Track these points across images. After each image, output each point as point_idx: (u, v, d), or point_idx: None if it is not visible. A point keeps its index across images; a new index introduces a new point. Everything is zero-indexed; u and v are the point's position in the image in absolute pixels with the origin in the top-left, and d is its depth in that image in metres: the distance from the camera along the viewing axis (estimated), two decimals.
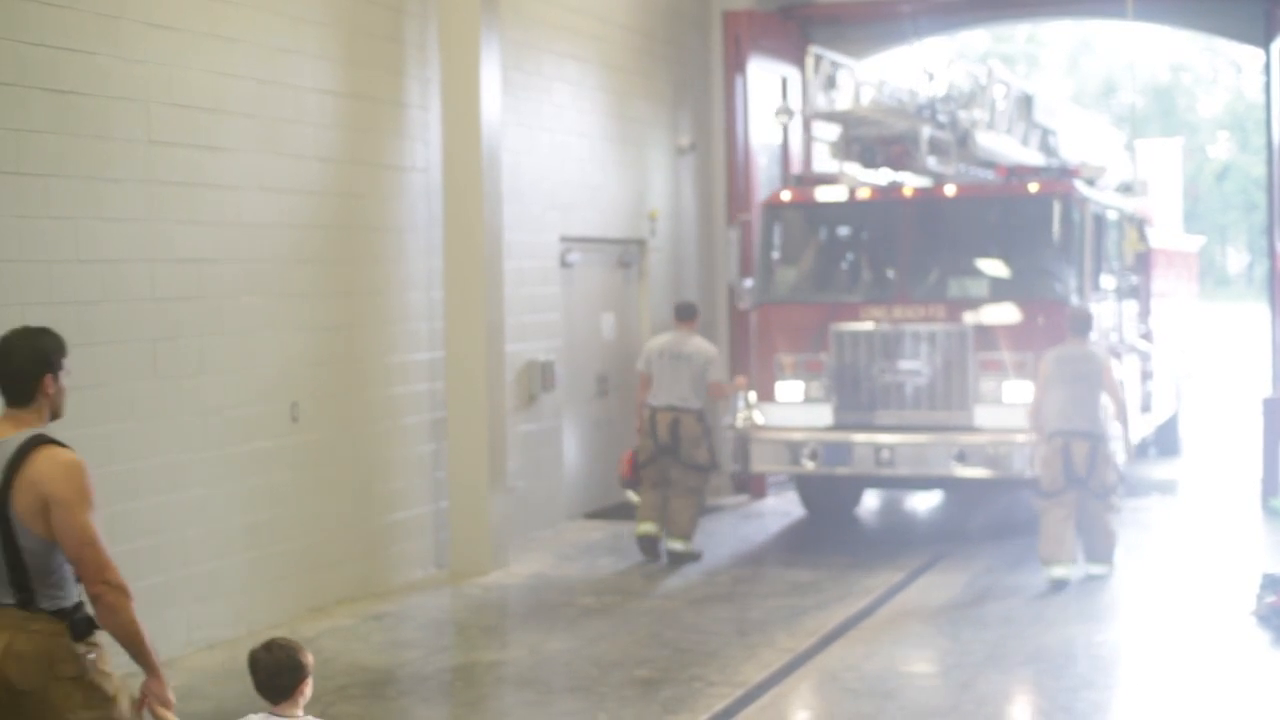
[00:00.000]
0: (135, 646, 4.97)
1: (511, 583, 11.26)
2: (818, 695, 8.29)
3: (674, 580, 11.34)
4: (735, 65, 15.51)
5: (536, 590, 11.03)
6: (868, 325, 12.40)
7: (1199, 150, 57.32)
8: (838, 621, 9.86)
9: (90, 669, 4.90)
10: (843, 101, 13.43)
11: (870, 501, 15.11)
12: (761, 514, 14.33)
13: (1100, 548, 11.16)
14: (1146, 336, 15.61)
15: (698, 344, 12.12)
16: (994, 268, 12.76)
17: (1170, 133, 57.49)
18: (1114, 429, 11.39)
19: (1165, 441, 17.89)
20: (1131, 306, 14.64)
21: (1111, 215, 13.81)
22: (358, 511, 10.80)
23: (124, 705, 4.97)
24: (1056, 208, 12.49)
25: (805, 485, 13.83)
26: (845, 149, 13.62)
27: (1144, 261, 14.86)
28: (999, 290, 12.47)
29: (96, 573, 4.86)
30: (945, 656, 8.94)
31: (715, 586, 11.11)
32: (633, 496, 12.25)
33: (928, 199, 12.83)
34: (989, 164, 13.79)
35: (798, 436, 12.39)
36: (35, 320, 8.05)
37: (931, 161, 13.11)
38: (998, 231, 12.91)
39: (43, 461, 4.83)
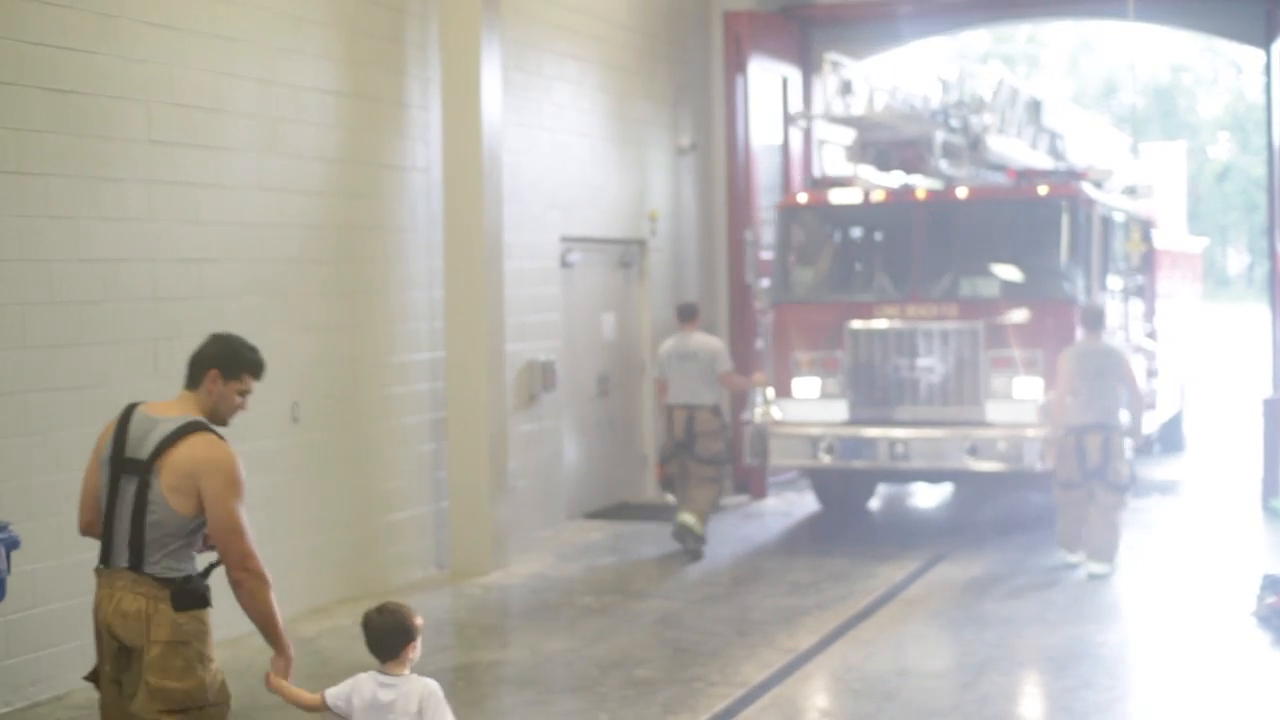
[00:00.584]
0: (269, 629, 5.38)
1: (512, 583, 11.26)
2: (818, 695, 8.29)
3: (674, 580, 11.34)
4: (736, 65, 15.51)
5: (537, 590, 11.03)
6: (882, 324, 12.73)
7: (1199, 151, 57.32)
8: (838, 622, 9.86)
9: (186, 639, 5.20)
10: (858, 106, 13.69)
11: (876, 500, 15.13)
12: (762, 514, 14.33)
13: (1104, 546, 11.31)
14: (1151, 335, 15.83)
15: (701, 340, 12.43)
16: (1004, 268, 13.07)
17: (1171, 133, 57.54)
18: (1127, 419, 11.56)
19: (1170, 438, 18.16)
20: (1137, 306, 14.85)
21: (1118, 217, 14.04)
22: (358, 511, 10.80)
23: (214, 689, 5.28)
24: (1065, 210, 12.79)
25: (820, 479, 14.18)
26: (860, 152, 13.95)
27: (1149, 262, 14.99)
28: (1009, 290, 12.82)
29: (239, 560, 5.28)
30: (946, 657, 8.94)
31: (715, 586, 11.11)
32: (669, 497, 12.72)
33: (940, 201, 13.13)
34: (999, 167, 14.11)
35: (814, 431, 12.71)
36: (35, 320, 8.13)
37: (944, 165, 13.48)
38: (1008, 233, 13.22)
39: (198, 447, 5.15)
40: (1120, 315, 13.92)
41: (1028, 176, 13.54)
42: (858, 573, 11.52)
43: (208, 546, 5.48)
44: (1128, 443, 11.59)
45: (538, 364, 12.87)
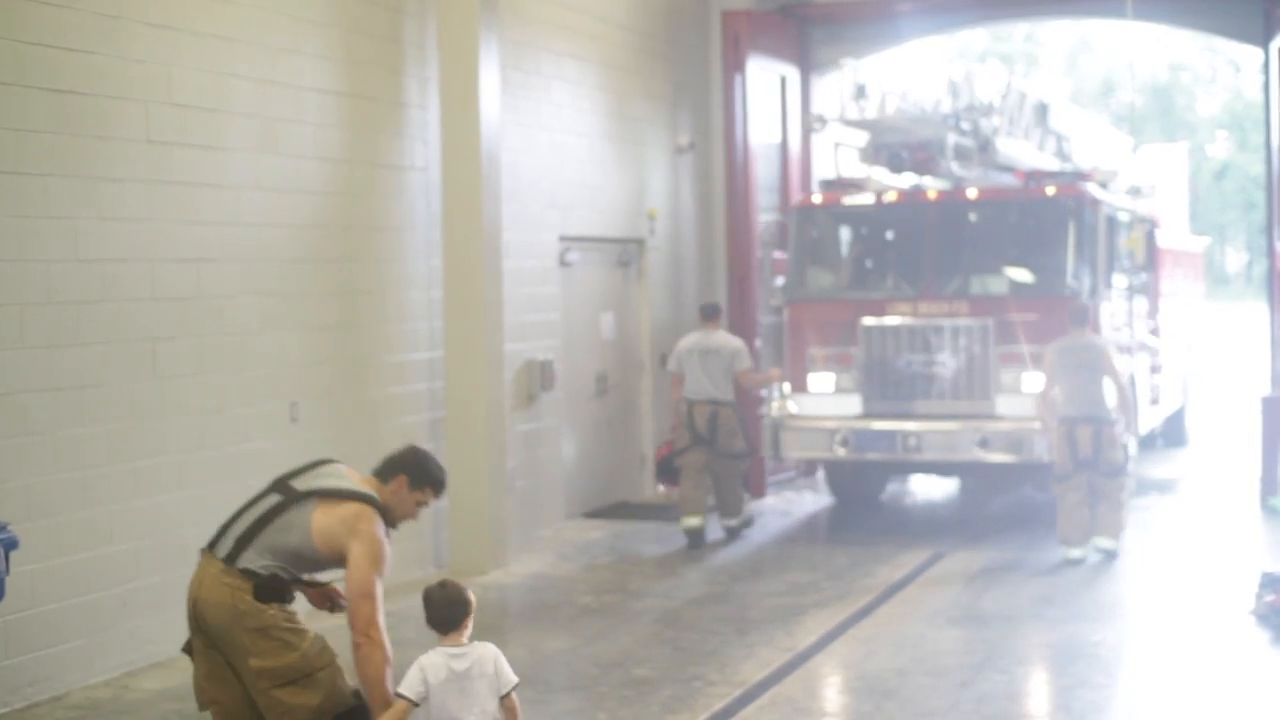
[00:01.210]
0: (374, 697, 5.59)
1: (511, 582, 11.27)
2: (817, 694, 8.29)
3: (673, 580, 11.35)
4: (734, 64, 15.51)
5: (536, 590, 11.04)
6: (895, 320, 13.14)
7: (1198, 149, 57.30)
8: (837, 620, 9.87)
9: (274, 622, 5.59)
10: (871, 110, 14.04)
11: (892, 501, 15.15)
12: (761, 513, 14.33)
13: (1108, 522, 11.70)
14: (1154, 333, 16.09)
15: (723, 338, 12.94)
16: (1013, 266, 13.47)
17: (1169, 132, 57.56)
18: (1117, 412, 11.88)
19: (1172, 433, 18.61)
20: (1141, 304, 15.11)
21: (1123, 217, 14.31)
22: None
23: (309, 650, 5.63)
24: (1072, 210, 13.16)
25: (833, 472, 14.58)
26: (873, 155, 14.27)
27: (1152, 261, 15.12)
28: (1018, 287, 13.27)
29: (364, 625, 5.63)
30: (944, 655, 8.94)
31: (714, 586, 11.11)
32: (660, 489, 13.07)
33: (951, 202, 13.55)
34: (1008, 169, 14.57)
35: (829, 424, 13.13)
36: (34, 321, 8.13)
37: (955, 167, 13.80)
38: (1017, 232, 13.68)
39: (365, 517, 5.68)
40: (1125, 312, 14.21)
41: (1036, 178, 13.81)
42: (856, 571, 11.52)
43: (338, 607, 6.04)
44: (1119, 430, 11.89)
45: (536, 363, 12.87)
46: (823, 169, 17.10)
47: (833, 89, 16.83)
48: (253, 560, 5.64)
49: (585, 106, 14.02)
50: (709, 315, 13.03)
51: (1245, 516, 13.76)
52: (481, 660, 5.50)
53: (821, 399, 13.34)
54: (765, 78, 15.98)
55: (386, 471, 5.93)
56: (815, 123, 14.14)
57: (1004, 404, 12.79)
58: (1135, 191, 16.27)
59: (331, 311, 10.56)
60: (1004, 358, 12.82)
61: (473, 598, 5.61)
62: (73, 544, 8.40)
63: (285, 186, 10.12)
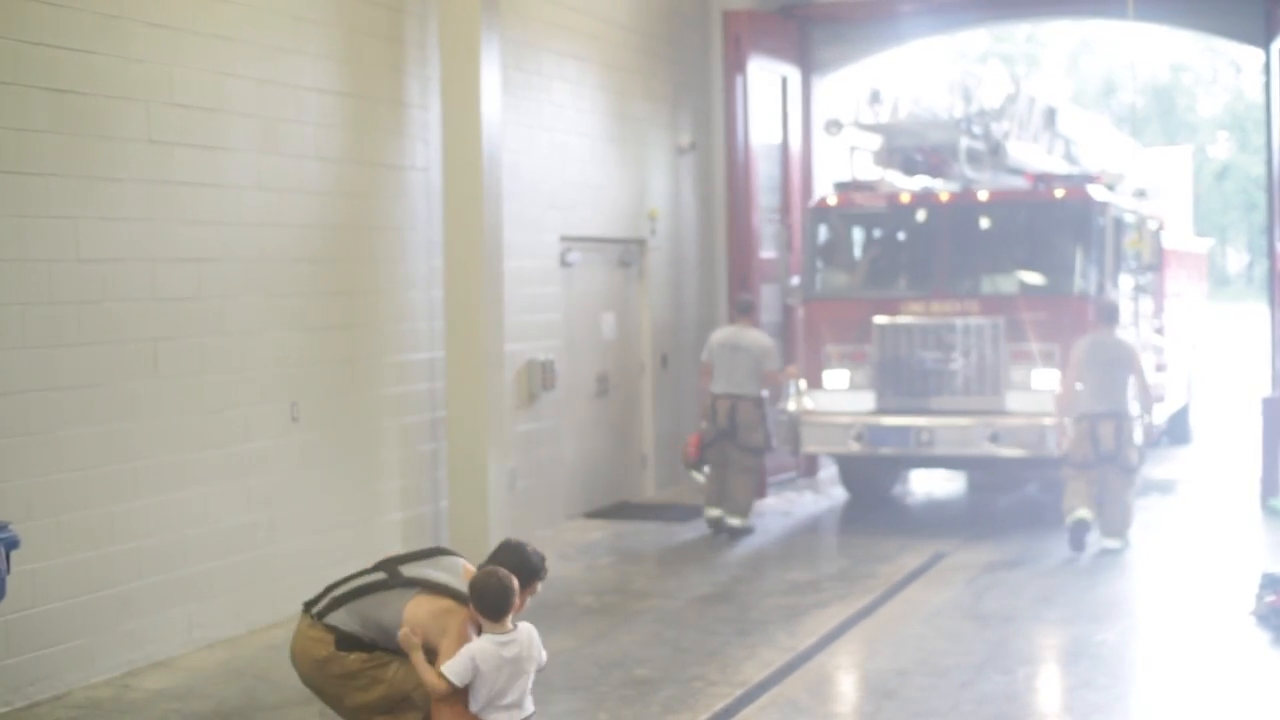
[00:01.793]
0: None
1: None
2: (818, 695, 8.29)
3: (674, 580, 11.34)
4: (735, 65, 15.51)
5: None
6: (908, 319, 13.46)
7: (1198, 150, 57.30)
8: (838, 621, 9.87)
9: (357, 668, 5.83)
10: (886, 114, 14.40)
11: (891, 501, 15.17)
12: (762, 513, 14.32)
13: (1117, 523, 12.02)
14: (1159, 331, 16.41)
15: (755, 336, 13.24)
16: (1023, 266, 13.82)
17: (1170, 132, 57.55)
18: (1136, 409, 12.27)
19: (1177, 431, 18.86)
20: (1146, 303, 15.40)
21: (1129, 218, 14.61)
22: (357, 510, 10.80)
23: (395, 678, 5.79)
24: (1080, 211, 13.54)
25: (847, 467, 14.88)
26: (887, 158, 14.63)
27: (1158, 261, 15.34)
28: (1028, 287, 13.64)
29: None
30: (945, 656, 8.94)
31: (715, 586, 11.11)
32: (696, 476, 13.35)
33: (962, 203, 13.90)
34: (1017, 171, 14.75)
35: (844, 420, 13.46)
36: (35, 320, 8.13)
37: (966, 170, 14.18)
38: (1026, 233, 14.01)
39: (451, 612, 5.74)
40: (1131, 312, 14.50)
41: (1045, 180, 14.08)
42: (857, 572, 11.52)
43: None
44: (1138, 429, 12.26)
45: (537, 363, 12.87)
46: (823, 169, 17.11)
47: (843, 91, 17.20)
48: (341, 620, 5.89)
49: (586, 107, 14.02)
50: (743, 310, 13.45)
51: (1246, 517, 13.76)
52: (529, 644, 5.77)
53: (836, 395, 13.65)
54: (766, 78, 15.97)
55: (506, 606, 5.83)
56: (831, 126, 14.36)
57: (1014, 400, 13.09)
58: (1141, 194, 16.60)
59: (332, 311, 10.56)
60: (1014, 355, 13.15)
61: (515, 584, 5.75)
62: (74, 543, 8.40)
63: (286, 186, 10.12)
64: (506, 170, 12.05)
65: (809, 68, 16.72)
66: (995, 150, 14.55)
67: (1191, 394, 19.52)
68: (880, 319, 13.52)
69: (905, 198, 14.12)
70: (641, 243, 15.16)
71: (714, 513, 13.10)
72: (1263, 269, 50.36)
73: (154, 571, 8.93)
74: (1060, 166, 16.00)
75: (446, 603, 5.78)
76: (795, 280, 14.48)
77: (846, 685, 8.48)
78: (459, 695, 5.65)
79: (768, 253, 15.96)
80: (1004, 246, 14.06)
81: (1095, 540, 12.18)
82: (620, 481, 14.91)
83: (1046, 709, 8.02)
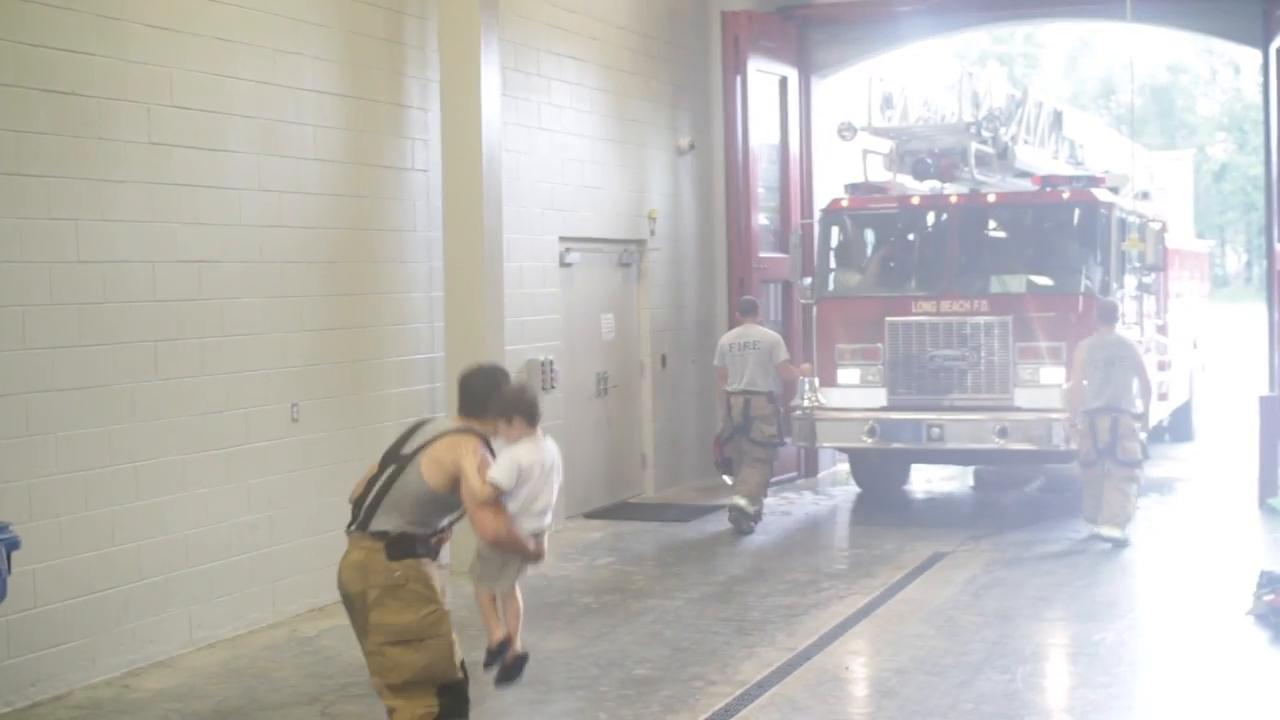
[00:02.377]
0: (514, 546, 6.06)
1: None
2: (817, 694, 8.30)
3: (673, 580, 11.36)
4: (734, 66, 15.53)
5: (536, 589, 11.03)
6: (919, 318, 13.79)
7: (1197, 151, 57.34)
8: (837, 620, 9.88)
9: (399, 584, 5.86)
10: (897, 118, 14.68)
11: (891, 500, 15.19)
12: (762, 513, 14.33)
13: (1115, 512, 12.30)
14: (1162, 330, 16.70)
15: (762, 332, 13.68)
16: (1031, 266, 14.17)
17: (1169, 133, 57.55)
18: (1139, 405, 12.56)
19: (1179, 428, 19.21)
20: (1150, 303, 15.68)
21: (1133, 219, 14.87)
22: None
23: (432, 627, 5.92)
24: (1086, 213, 13.95)
25: (858, 462, 15.37)
26: (898, 161, 14.82)
27: (1161, 261, 15.48)
28: (1035, 286, 13.96)
29: (490, 535, 5.93)
30: (944, 655, 8.95)
31: (714, 585, 11.12)
32: (726, 479, 13.90)
33: (971, 205, 14.27)
34: (1025, 174, 15.16)
35: (857, 415, 13.79)
36: (36, 321, 8.15)
37: (976, 173, 14.42)
38: (1034, 234, 14.42)
39: (457, 440, 5.95)
40: (1134, 311, 14.80)
41: (1051, 182, 14.44)
42: (856, 572, 11.54)
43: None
44: (1138, 423, 12.52)
45: (537, 364, 12.89)
46: (822, 170, 17.14)
47: (844, 93, 17.31)
48: (383, 522, 5.92)
49: (585, 108, 14.04)
50: (747, 311, 13.86)
51: (1244, 516, 13.78)
52: (555, 454, 6.15)
53: (849, 391, 13.97)
54: (765, 79, 16.00)
55: (477, 410, 6.14)
56: (845, 131, 14.52)
57: (1022, 396, 13.39)
58: (1144, 196, 16.93)
59: (332, 312, 10.57)
60: (1022, 352, 13.48)
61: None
62: (74, 544, 8.42)
63: (286, 188, 10.13)
64: (506, 171, 12.07)
65: (808, 69, 16.75)
66: (1003, 154, 14.90)
67: (1193, 391, 19.75)
68: (892, 318, 13.84)
69: (916, 200, 14.53)
70: (641, 243, 15.18)
71: (738, 501, 13.42)
72: (1261, 269, 50.36)
73: (154, 572, 8.95)
74: (1066, 169, 16.35)
75: (450, 438, 5.96)
76: (808, 280, 14.76)
77: (846, 685, 8.49)
78: (499, 501, 5.94)
79: (767, 253, 16.00)
80: (1012, 247, 14.52)
81: (1093, 528, 12.48)
82: (620, 481, 14.93)
83: (1045, 708, 8.03)
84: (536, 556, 6.15)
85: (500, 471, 5.93)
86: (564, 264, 13.67)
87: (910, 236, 14.89)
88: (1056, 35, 58.90)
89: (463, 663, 6.14)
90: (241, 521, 9.68)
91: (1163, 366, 16.37)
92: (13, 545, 6.87)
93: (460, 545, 11.64)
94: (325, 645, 9.40)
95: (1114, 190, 14.67)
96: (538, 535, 6.11)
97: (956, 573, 11.45)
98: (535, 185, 13.07)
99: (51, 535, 8.22)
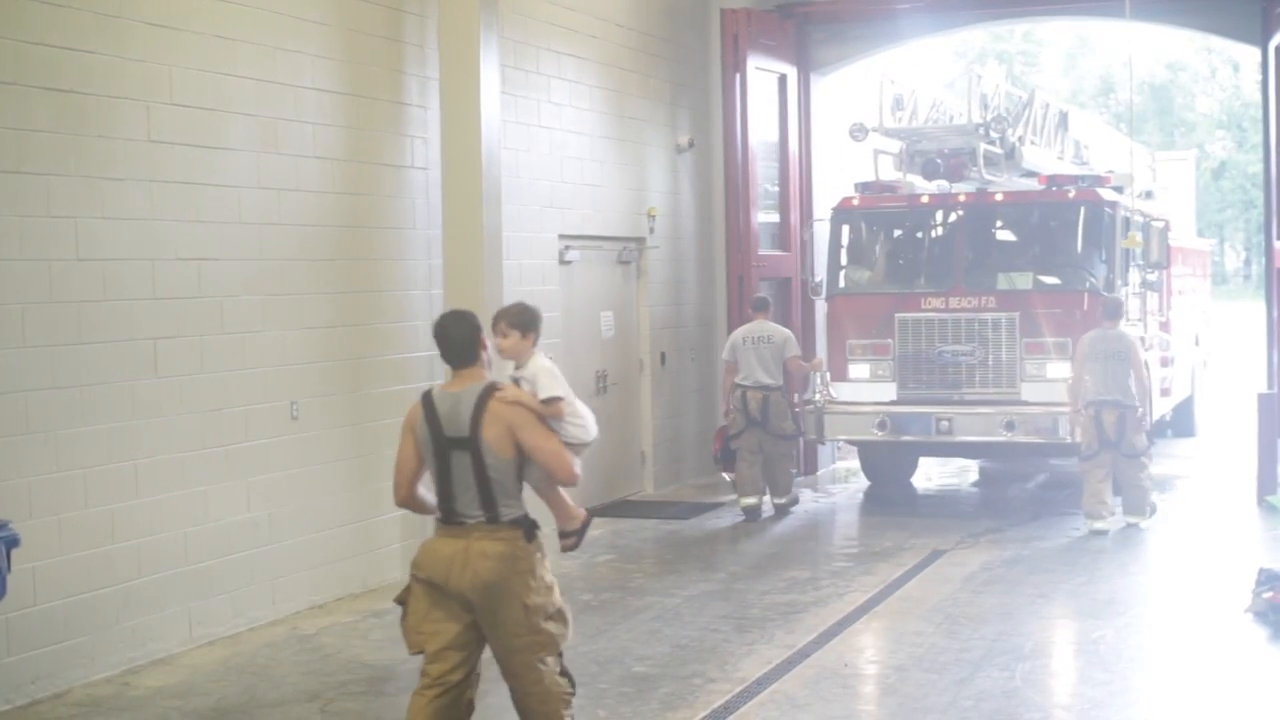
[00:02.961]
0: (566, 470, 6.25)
1: None
2: (816, 691, 8.31)
3: (673, 577, 11.37)
4: (733, 63, 15.53)
5: None
6: (928, 314, 14.17)
7: (1196, 148, 57.37)
8: (836, 618, 9.89)
9: (538, 564, 6.16)
10: (907, 120, 15.12)
11: (891, 497, 15.20)
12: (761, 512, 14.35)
13: (1135, 501, 12.90)
14: (1165, 326, 16.93)
15: (774, 328, 14.04)
16: (1037, 264, 14.60)
17: (1168, 131, 57.54)
18: (1139, 399, 12.95)
19: (1181, 424, 19.44)
20: (1153, 299, 15.90)
21: (1137, 218, 15.12)
22: (357, 508, 10.82)
23: (558, 593, 6.26)
24: (1091, 212, 14.31)
25: (868, 455, 15.62)
26: (908, 161, 15.12)
27: (1165, 259, 15.66)
28: (1041, 283, 14.37)
29: (563, 472, 6.18)
30: (943, 653, 8.96)
31: (713, 583, 11.13)
32: (726, 476, 14.18)
33: (979, 204, 14.70)
34: (1031, 173, 15.47)
35: (867, 409, 14.17)
36: (35, 320, 8.16)
37: (984, 173, 14.72)
38: (1040, 232, 14.82)
39: (498, 406, 6.05)
40: (1138, 308, 15.04)
41: (1057, 182, 14.75)
42: (856, 569, 11.55)
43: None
44: (1141, 416, 12.92)
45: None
46: (821, 168, 17.16)
47: (843, 91, 17.51)
48: (509, 510, 6.13)
49: (585, 105, 14.04)
50: (759, 307, 14.17)
51: (1244, 513, 13.79)
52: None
53: (860, 386, 14.35)
54: (764, 77, 15.99)
55: (475, 350, 6.22)
56: (857, 132, 14.76)
57: (1029, 391, 13.78)
58: (1148, 195, 17.35)
59: (332, 310, 10.58)
60: (1029, 348, 13.87)
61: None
62: (74, 542, 8.43)
63: (286, 185, 10.13)
64: (505, 169, 12.07)
65: (807, 66, 16.75)
66: (1011, 154, 15.14)
67: (1195, 387, 19.93)
68: (901, 314, 14.21)
69: (926, 199, 14.86)
70: (640, 241, 15.19)
71: (749, 501, 13.77)
72: (1260, 267, 50.37)
73: (154, 569, 8.96)
74: (1072, 169, 16.61)
75: (487, 411, 6.03)
76: (818, 278, 15.16)
77: (845, 682, 8.50)
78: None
79: (766, 250, 16.01)
80: (1019, 245, 14.93)
81: (1094, 524, 12.87)
82: (619, 479, 14.93)
83: (1044, 705, 8.04)
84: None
85: (550, 387, 6.20)
86: (563, 262, 13.67)
87: (919, 234, 15.23)
88: (1055, 33, 58.90)
89: None
90: (241, 519, 9.68)
91: (1165, 362, 16.63)
92: (12, 543, 6.87)
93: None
94: (325, 643, 9.40)
95: (1118, 190, 14.94)
96: (580, 448, 6.36)
97: (956, 570, 11.46)
98: (534, 183, 13.08)
99: (51, 533, 8.23)
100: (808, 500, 14.98)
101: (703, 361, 16.47)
